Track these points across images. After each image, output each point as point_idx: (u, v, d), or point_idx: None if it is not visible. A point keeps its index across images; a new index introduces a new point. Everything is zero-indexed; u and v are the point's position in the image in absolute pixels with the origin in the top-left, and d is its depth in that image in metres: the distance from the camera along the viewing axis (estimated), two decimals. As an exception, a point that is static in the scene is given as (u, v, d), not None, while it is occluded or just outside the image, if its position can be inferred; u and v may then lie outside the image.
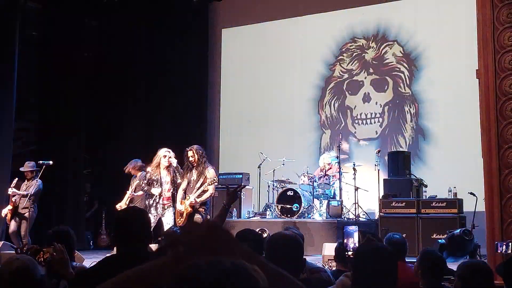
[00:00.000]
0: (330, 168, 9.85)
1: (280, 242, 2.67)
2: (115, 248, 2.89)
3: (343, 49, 11.75)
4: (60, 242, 3.26)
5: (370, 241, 2.94)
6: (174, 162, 7.71)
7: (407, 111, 11.01)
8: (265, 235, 6.49)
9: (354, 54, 11.65)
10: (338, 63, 11.78)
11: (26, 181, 8.81)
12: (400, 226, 7.91)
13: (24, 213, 8.58)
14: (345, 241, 3.76)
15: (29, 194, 8.46)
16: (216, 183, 7.53)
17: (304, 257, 4.37)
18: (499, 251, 5.04)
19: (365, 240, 3.14)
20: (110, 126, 11.66)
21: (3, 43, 9.60)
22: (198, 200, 7.31)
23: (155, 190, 7.59)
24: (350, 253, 3.62)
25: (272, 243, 2.67)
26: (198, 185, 7.35)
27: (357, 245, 3.66)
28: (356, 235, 3.71)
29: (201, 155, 7.48)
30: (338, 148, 10.03)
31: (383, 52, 11.37)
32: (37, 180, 8.61)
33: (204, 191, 7.37)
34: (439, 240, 6.64)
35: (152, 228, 3.17)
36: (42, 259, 3.19)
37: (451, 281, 4.50)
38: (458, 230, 6.52)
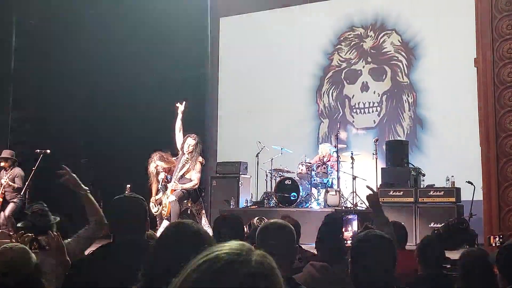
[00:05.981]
0: (329, 160, 9.84)
1: (271, 228, 2.67)
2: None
3: (341, 38, 11.70)
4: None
5: (368, 229, 2.94)
6: (161, 168, 7.95)
7: (405, 100, 11.00)
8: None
9: (352, 43, 11.61)
10: (336, 52, 11.74)
11: (4, 170, 8.64)
12: (398, 215, 7.90)
13: (12, 199, 8.55)
14: (343, 229, 3.77)
15: (19, 188, 8.45)
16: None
17: (301, 245, 4.39)
18: (492, 244, 5.08)
19: (363, 228, 3.15)
20: (107, 115, 11.60)
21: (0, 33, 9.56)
22: (179, 186, 7.69)
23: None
24: (349, 242, 3.63)
25: (263, 230, 2.67)
26: (180, 173, 7.76)
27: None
28: (355, 223, 3.71)
29: (201, 148, 7.98)
30: (336, 137, 10.03)
31: (381, 41, 11.33)
32: (19, 170, 8.59)
33: (188, 180, 7.75)
34: (435, 229, 6.66)
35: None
36: (36, 247, 3.21)
37: (448, 269, 4.52)
38: (453, 219, 6.55)
